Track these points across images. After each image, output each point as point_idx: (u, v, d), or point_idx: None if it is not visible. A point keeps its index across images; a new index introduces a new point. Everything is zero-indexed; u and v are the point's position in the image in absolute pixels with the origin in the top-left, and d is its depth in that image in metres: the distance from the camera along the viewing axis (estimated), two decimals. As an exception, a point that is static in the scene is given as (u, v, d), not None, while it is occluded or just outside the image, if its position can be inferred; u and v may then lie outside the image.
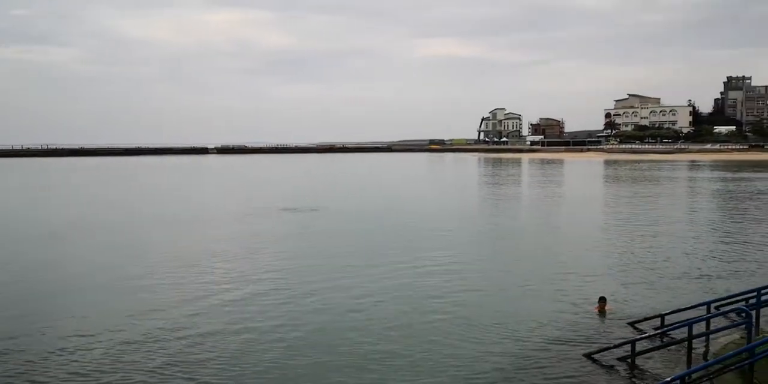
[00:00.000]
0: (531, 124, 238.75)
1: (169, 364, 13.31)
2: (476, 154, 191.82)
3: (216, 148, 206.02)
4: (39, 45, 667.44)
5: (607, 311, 16.75)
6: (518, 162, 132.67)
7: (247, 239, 30.02)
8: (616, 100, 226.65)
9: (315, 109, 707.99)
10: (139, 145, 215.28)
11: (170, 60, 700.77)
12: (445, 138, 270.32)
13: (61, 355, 13.79)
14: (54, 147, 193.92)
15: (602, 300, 17.09)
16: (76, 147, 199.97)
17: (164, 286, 20.26)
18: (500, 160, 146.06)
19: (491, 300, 18.32)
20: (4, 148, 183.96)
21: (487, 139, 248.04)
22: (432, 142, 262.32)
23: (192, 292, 19.35)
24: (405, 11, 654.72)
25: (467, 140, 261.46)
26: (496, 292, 19.20)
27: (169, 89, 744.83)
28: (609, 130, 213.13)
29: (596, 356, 13.44)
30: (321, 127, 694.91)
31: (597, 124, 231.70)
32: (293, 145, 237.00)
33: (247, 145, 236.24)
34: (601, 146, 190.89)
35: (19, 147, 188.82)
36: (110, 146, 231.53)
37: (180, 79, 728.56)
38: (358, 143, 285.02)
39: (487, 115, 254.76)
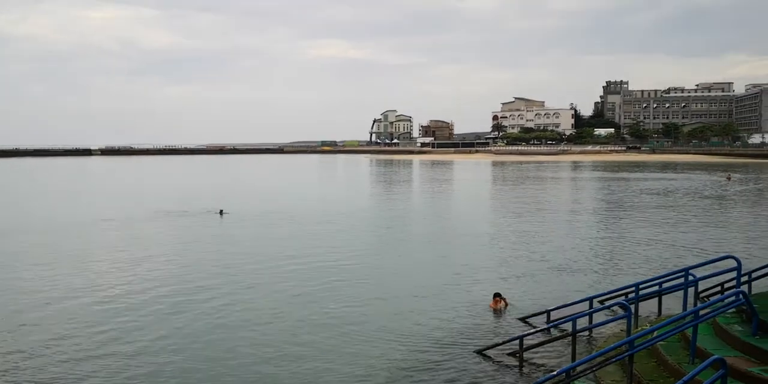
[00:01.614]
0: (422, 126, 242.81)
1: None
2: (368, 155, 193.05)
3: (100, 150, 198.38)
4: None
5: (502, 307, 17.15)
6: (409, 163, 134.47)
7: (130, 244, 28.92)
8: (503, 103, 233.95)
9: (204, 110, 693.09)
10: (17, 147, 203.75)
11: (49, 58, 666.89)
12: (337, 139, 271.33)
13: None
14: None
15: (497, 296, 17.47)
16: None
17: (27, 295, 19.18)
18: (392, 161, 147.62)
19: (382, 304, 18.26)
20: None
21: (378, 141, 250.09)
22: (324, 143, 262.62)
23: (55, 300, 18.40)
24: (292, 12, 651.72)
25: (359, 142, 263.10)
26: (387, 296, 19.14)
27: (49, 88, 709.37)
28: (496, 132, 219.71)
29: (487, 352, 13.72)
30: (210, 128, 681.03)
31: (485, 126, 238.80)
32: (182, 147, 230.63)
33: (133, 146, 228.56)
34: (489, 148, 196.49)
35: None
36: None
37: (60, 78, 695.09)
38: (249, 145, 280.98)
39: (378, 116, 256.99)
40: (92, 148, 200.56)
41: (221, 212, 39.00)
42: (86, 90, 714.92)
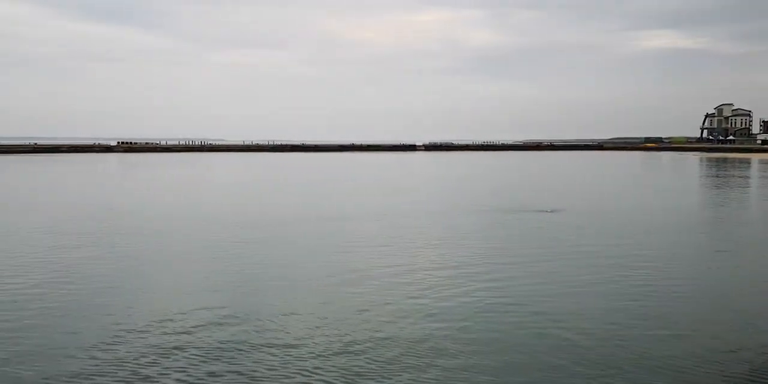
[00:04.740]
0: (763, 122, 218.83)
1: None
2: (697, 153, 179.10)
3: (424, 146, 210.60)
4: (260, 49, 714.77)
5: None
6: (747, 163, 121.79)
7: (465, 238, 30.04)
8: None
9: (520, 106, 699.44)
10: (353, 142, 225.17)
11: (380, 60, 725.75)
12: (663, 135, 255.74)
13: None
14: (279, 143, 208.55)
15: None
16: (297, 143, 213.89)
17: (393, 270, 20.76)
18: (725, 159, 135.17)
19: (702, 323, 16.88)
20: (229, 143, 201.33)
21: (711, 137, 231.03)
22: (647, 139, 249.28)
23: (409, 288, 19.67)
24: (617, 4, 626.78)
25: (687, 138, 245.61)
26: (709, 314, 17.64)
27: (377, 89, 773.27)
28: None
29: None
30: (527, 124, 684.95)
31: None
32: (499, 143, 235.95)
33: (453, 142, 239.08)
34: None
35: (250, 142, 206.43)
36: (326, 143, 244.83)
37: (386, 78, 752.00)
38: (566, 140, 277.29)
39: (711, 111, 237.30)
40: (417, 143, 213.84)
41: (551, 210, 39.18)
42: (410, 88, 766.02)
